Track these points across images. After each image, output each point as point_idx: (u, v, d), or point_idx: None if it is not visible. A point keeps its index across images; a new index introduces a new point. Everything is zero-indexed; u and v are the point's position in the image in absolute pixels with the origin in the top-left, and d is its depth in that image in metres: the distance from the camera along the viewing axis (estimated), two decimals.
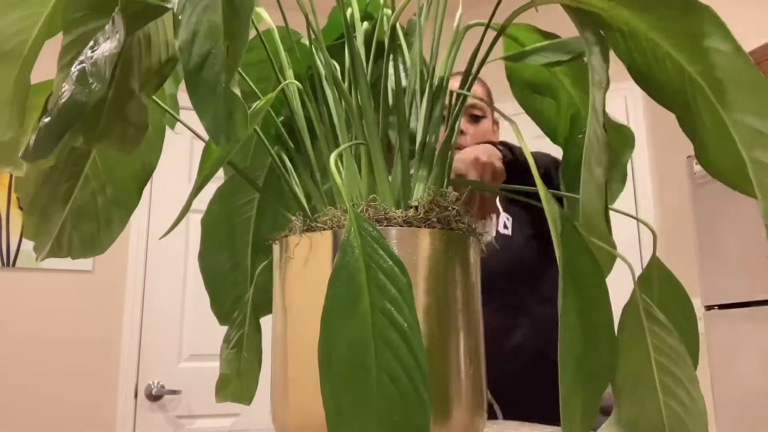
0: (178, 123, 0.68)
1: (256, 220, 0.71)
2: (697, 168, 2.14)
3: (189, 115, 0.67)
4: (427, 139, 0.58)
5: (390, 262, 0.42)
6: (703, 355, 2.13)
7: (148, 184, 0.66)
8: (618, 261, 0.52)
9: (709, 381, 2.07)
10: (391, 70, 0.60)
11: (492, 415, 1.29)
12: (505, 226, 1.37)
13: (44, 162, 0.45)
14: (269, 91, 0.54)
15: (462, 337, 0.52)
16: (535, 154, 1.25)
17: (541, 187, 0.47)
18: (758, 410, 1.95)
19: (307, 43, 0.63)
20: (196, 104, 0.40)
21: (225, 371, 0.69)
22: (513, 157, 1.05)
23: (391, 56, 0.59)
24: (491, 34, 0.61)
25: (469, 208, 0.57)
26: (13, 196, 2.26)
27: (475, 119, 1.53)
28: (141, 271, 2.47)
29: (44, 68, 0.57)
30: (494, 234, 1.32)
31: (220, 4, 0.40)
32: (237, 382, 0.68)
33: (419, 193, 0.57)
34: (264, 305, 0.67)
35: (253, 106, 0.49)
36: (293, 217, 0.56)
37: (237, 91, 0.40)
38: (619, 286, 0.52)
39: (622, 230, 2.44)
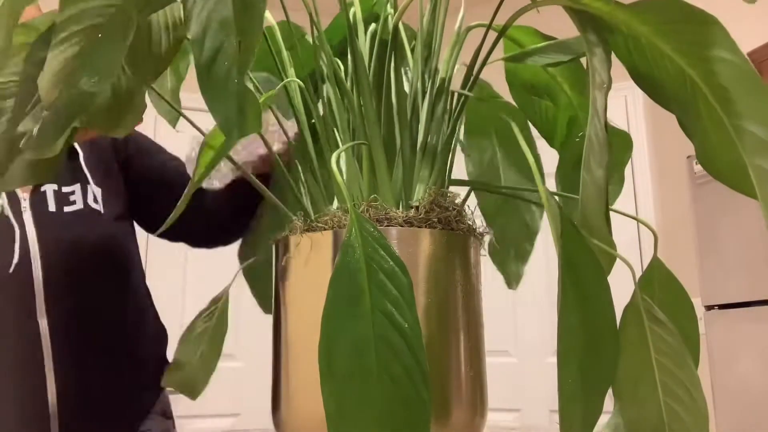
0: (179, 122, 0.68)
1: (267, 220, 0.72)
2: (697, 168, 2.15)
3: (188, 114, 0.67)
4: (429, 140, 0.58)
5: (391, 263, 0.42)
6: (703, 355, 2.13)
7: None
8: (618, 262, 0.52)
9: (709, 381, 2.08)
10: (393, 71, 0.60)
11: None
12: (95, 200, 0.97)
13: (49, 152, 0.45)
14: (272, 89, 0.54)
15: (462, 337, 0.52)
16: None
17: (540, 187, 0.47)
18: (758, 410, 1.95)
19: (310, 40, 0.63)
20: (207, 99, 0.39)
21: (179, 357, 0.69)
22: None
23: (394, 56, 0.59)
24: (493, 34, 0.61)
25: None
26: None
27: None
28: None
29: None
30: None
31: None
32: (190, 370, 0.68)
33: (420, 193, 0.57)
34: (266, 302, 0.68)
35: None
36: (294, 217, 0.56)
37: (249, 85, 0.40)
38: (620, 287, 0.52)
39: (623, 231, 2.44)
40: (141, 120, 0.51)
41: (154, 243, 2.45)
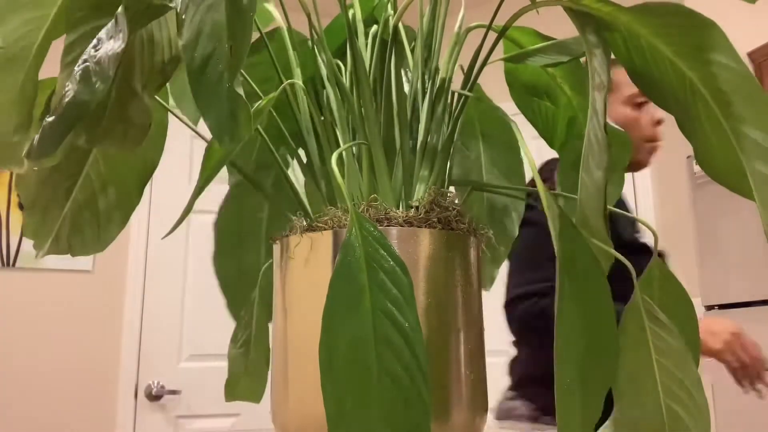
0: (180, 121, 0.68)
1: (269, 220, 0.71)
2: (697, 168, 2.14)
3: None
4: (429, 140, 0.58)
5: (391, 262, 0.42)
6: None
7: (149, 184, 0.66)
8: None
9: (709, 381, 2.08)
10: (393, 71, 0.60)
11: None
12: None
13: (48, 161, 0.45)
14: (272, 92, 0.54)
15: (462, 337, 0.52)
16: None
17: (540, 187, 0.47)
18: (758, 411, 1.95)
19: (309, 43, 0.63)
20: (199, 104, 0.40)
21: (234, 370, 0.69)
22: None
23: (394, 57, 0.59)
24: (493, 35, 0.61)
25: None
26: (13, 196, 2.26)
27: (641, 106, 1.53)
28: (141, 271, 2.47)
29: (47, 67, 0.57)
30: None
31: (223, 3, 0.40)
32: (245, 380, 0.69)
33: (420, 193, 0.57)
34: (270, 306, 0.68)
35: (255, 105, 0.50)
36: (294, 217, 0.56)
37: (240, 90, 0.40)
38: None
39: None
40: (146, 135, 0.50)
41: (154, 243, 2.46)
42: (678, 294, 0.56)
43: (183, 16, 0.41)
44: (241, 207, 0.70)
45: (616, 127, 0.66)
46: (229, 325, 0.71)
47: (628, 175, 0.70)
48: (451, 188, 0.63)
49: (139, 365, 2.40)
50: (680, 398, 0.48)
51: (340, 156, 0.57)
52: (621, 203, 1.16)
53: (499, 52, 0.65)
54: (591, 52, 0.49)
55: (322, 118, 0.61)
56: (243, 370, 0.68)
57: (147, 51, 0.48)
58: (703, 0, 1.34)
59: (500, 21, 0.60)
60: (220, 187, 0.75)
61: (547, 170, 1.46)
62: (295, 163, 0.66)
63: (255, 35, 0.62)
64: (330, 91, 0.61)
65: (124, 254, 2.44)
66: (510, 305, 1.49)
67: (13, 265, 2.29)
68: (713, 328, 1.43)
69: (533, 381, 1.56)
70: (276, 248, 0.56)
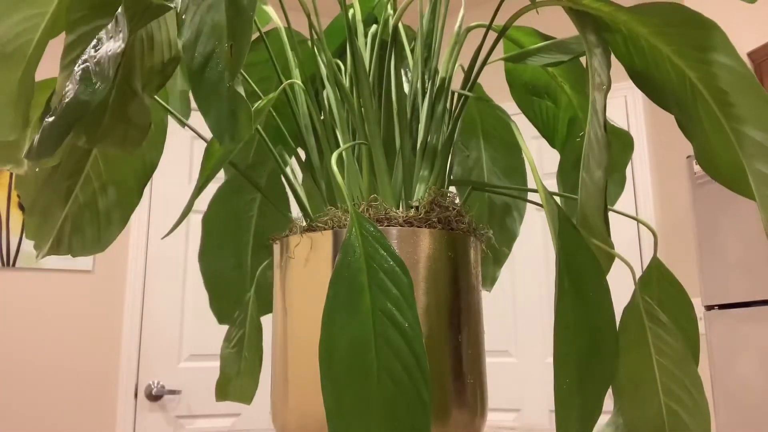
0: (181, 120, 0.68)
1: (258, 219, 0.71)
2: (697, 168, 2.15)
3: (191, 115, 0.67)
4: (429, 140, 0.58)
5: (391, 262, 0.42)
6: (703, 355, 2.13)
7: (148, 184, 0.66)
8: (618, 262, 0.52)
9: (709, 381, 2.08)
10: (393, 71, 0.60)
11: None
12: None
13: (48, 161, 0.45)
14: (271, 91, 0.54)
15: (462, 337, 0.52)
16: None
17: (540, 187, 0.47)
18: (758, 410, 1.95)
19: (309, 44, 0.63)
20: (199, 103, 0.40)
21: (225, 370, 0.69)
22: None
23: (394, 57, 0.59)
24: (493, 35, 0.61)
25: None
26: (13, 196, 2.26)
27: None
28: (141, 271, 2.47)
29: (46, 67, 0.57)
30: None
31: (223, 3, 0.40)
32: (237, 381, 0.69)
33: (420, 193, 0.57)
34: (265, 304, 0.67)
35: (255, 105, 0.50)
36: (294, 217, 0.56)
37: (241, 90, 0.40)
38: (620, 287, 0.52)
39: (622, 231, 2.44)
40: (146, 135, 0.50)
41: (154, 243, 2.46)
42: (678, 294, 0.56)
43: (183, 16, 0.41)
44: (230, 205, 0.70)
45: (618, 126, 0.66)
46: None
47: (628, 175, 0.70)
48: (452, 188, 0.63)
49: (139, 365, 2.40)
50: (680, 398, 0.48)
51: (339, 156, 0.57)
52: None
53: (499, 52, 0.65)
54: (591, 51, 0.49)
55: (322, 117, 0.61)
56: (235, 371, 0.68)
57: (147, 51, 0.48)
58: (703, 0, 1.33)
59: (500, 21, 0.60)
60: (218, 187, 0.75)
61: None
62: (293, 162, 0.66)
63: (254, 35, 0.62)
64: (330, 91, 0.61)
65: (124, 254, 2.44)
66: None
67: (14, 265, 2.29)
68: None
69: None
70: (276, 248, 0.56)
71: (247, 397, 0.69)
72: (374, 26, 0.65)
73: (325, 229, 0.52)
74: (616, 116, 2.53)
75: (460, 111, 0.60)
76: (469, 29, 0.65)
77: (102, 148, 0.56)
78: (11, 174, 2.28)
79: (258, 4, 0.70)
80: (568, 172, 0.70)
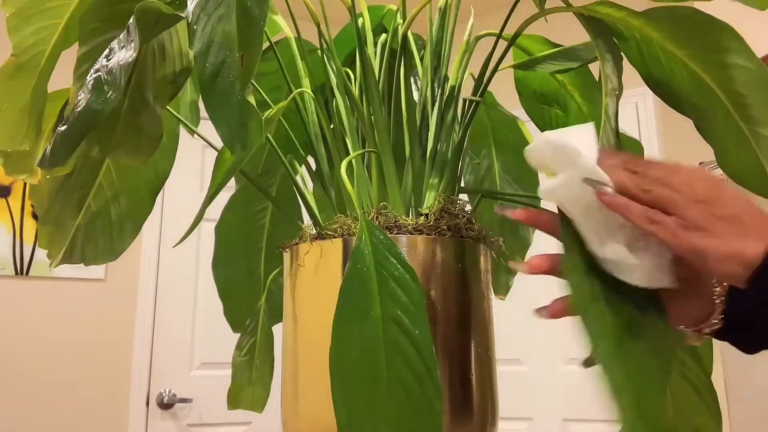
0: (191, 129, 0.68)
1: (270, 227, 0.71)
2: None
3: (202, 124, 0.68)
4: (438, 147, 0.58)
5: (401, 270, 0.42)
6: (716, 358, 2.11)
7: (160, 193, 0.66)
8: None
9: (722, 381, 2.05)
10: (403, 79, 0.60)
11: None
12: None
13: (60, 170, 0.46)
14: (281, 101, 0.55)
15: (472, 345, 0.51)
16: None
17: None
18: None
19: (319, 53, 0.63)
20: (211, 113, 0.40)
21: (237, 379, 0.69)
22: None
23: (403, 65, 0.59)
24: (503, 43, 0.61)
25: None
26: (27, 205, 2.28)
27: None
28: (153, 280, 2.48)
29: (59, 77, 0.58)
30: None
31: (234, 14, 0.40)
32: (249, 389, 0.69)
33: (430, 200, 0.57)
34: (277, 312, 0.68)
35: (265, 114, 0.50)
36: (304, 225, 0.56)
37: (251, 99, 0.40)
38: None
39: None
40: (158, 145, 0.50)
41: (166, 251, 2.47)
42: None
43: (194, 27, 0.41)
44: (243, 214, 0.71)
45: (628, 134, 0.66)
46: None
47: None
48: (463, 196, 0.63)
49: (151, 373, 2.40)
50: (690, 395, 0.47)
51: (349, 164, 0.57)
52: None
53: (509, 61, 0.65)
54: (603, 57, 0.48)
55: (332, 126, 0.61)
56: (247, 379, 0.68)
57: (159, 62, 0.48)
58: (714, 6, 1.33)
59: (510, 30, 0.60)
60: (230, 196, 0.75)
61: None
62: (303, 170, 0.66)
63: (264, 45, 0.62)
64: (339, 100, 0.61)
65: (137, 263, 2.45)
66: None
67: (27, 273, 2.31)
68: None
69: None
70: (286, 256, 0.56)
71: (258, 405, 0.69)
72: (383, 35, 0.65)
73: (334, 237, 0.52)
74: (627, 123, 2.52)
75: (470, 119, 0.60)
76: (479, 38, 0.65)
77: (114, 157, 0.57)
78: (25, 183, 2.30)
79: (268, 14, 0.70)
80: None
